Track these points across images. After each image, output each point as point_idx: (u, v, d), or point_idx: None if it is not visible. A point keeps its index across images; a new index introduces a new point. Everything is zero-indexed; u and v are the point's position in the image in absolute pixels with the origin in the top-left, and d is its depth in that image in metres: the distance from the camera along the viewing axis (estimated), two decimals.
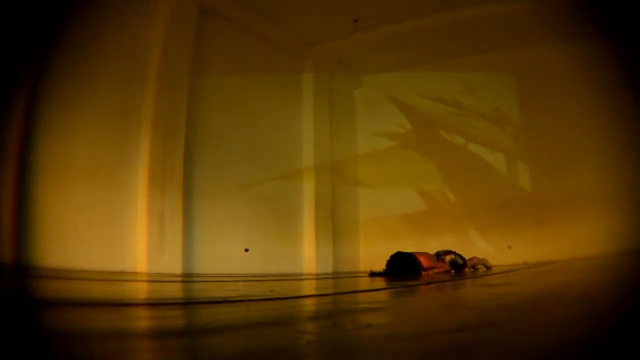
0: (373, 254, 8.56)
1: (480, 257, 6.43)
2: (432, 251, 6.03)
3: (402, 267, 5.59)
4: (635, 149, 6.17)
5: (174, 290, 3.47)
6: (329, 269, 8.11)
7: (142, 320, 1.82)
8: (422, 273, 5.57)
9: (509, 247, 7.50)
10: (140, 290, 3.49)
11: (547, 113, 7.60)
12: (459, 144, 8.59)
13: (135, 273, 5.38)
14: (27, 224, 4.74)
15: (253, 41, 7.65)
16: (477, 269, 6.32)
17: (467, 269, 6.01)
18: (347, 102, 9.31)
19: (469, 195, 8.19)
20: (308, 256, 8.07)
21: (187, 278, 5.18)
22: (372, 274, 5.63)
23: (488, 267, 6.37)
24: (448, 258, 5.97)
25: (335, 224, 8.53)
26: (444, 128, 8.67)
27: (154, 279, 4.73)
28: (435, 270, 5.66)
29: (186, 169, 6.27)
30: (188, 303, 2.57)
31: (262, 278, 5.25)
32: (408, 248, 7.54)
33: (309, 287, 4.13)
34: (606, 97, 6.33)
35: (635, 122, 6.05)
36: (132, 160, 5.79)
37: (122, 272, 5.29)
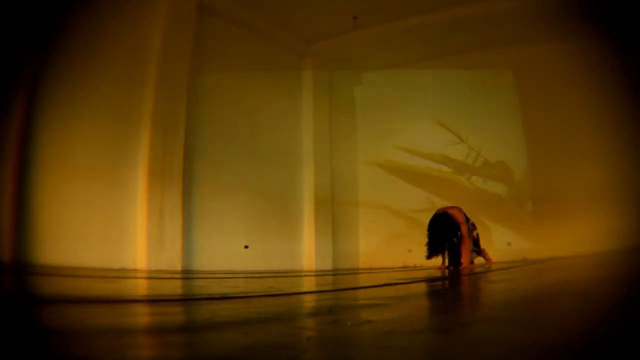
0: (372, 251, 8.59)
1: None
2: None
3: (440, 228, 5.58)
4: (634, 147, 6.17)
5: (174, 287, 3.47)
6: (328, 265, 8.13)
7: (142, 316, 1.82)
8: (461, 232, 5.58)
9: (509, 244, 7.51)
10: (140, 287, 3.50)
11: (547, 110, 7.60)
12: (458, 141, 8.59)
13: (135, 270, 5.39)
14: (26, 222, 4.74)
15: (252, 38, 7.64)
16: (487, 257, 6.29)
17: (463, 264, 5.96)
18: (346, 99, 9.31)
19: (469, 192, 8.19)
20: (308, 253, 8.08)
21: (187, 275, 5.19)
22: (448, 267, 5.65)
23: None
24: (475, 232, 5.97)
25: (334, 221, 8.54)
26: (443, 126, 8.66)
27: (154, 275, 4.73)
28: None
29: (186, 166, 6.27)
30: (188, 299, 2.57)
31: (262, 275, 5.26)
32: (407, 245, 7.55)
33: (308, 284, 4.14)
34: (606, 94, 6.33)
35: (634, 120, 6.05)
36: (131, 157, 5.80)
37: (122, 269, 5.30)
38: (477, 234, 6.00)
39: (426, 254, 5.58)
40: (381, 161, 9.11)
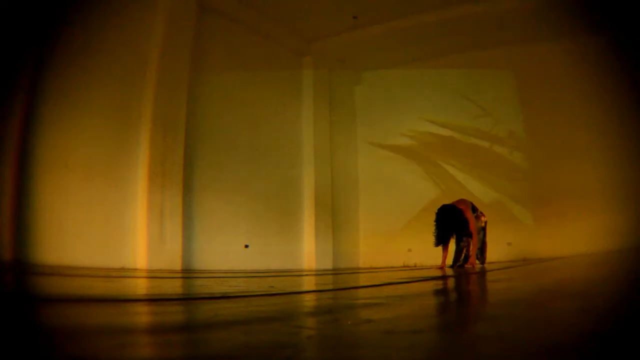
0: (372, 251, 8.59)
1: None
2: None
3: (449, 220, 5.62)
4: (634, 147, 6.17)
5: (174, 286, 3.47)
6: (329, 265, 8.13)
7: (142, 315, 1.82)
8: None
9: (509, 244, 7.51)
10: (140, 286, 3.50)
11: (546, 110, 7.60)
12: (458, 141, 8.59)
13: (135, 269, 5.39)
14: (26, 221, 4.74)
15: (252, 38, 7.64)
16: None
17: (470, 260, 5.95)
18: (346, 98, 9.31)
19: (469, 192, 8.19)
20: (308, 252, 8.08)
21: (187, 274, 5.19)
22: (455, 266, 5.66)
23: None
24: (484, 219, 6.00)
25: (334, 220, 8.54)
26: (443, 125, 8.67)
27: (154, 275, 4.73)
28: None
29: (186, 166, 6.28)
30: (188, 299, 2.57)
31: (262, 274, 5.26)
32: (406, 244, 7.55)
33: (308, 283, 4.14)
34: (606, 94, 6.33)
35: (634, 120, 6.05)
36: (132, 157, 5.80)
37: (122, 269, 5.30)
38: (486, 222, 5.99)
39: (434, 242, 5.62)
40: (381, 160, 9.11)
